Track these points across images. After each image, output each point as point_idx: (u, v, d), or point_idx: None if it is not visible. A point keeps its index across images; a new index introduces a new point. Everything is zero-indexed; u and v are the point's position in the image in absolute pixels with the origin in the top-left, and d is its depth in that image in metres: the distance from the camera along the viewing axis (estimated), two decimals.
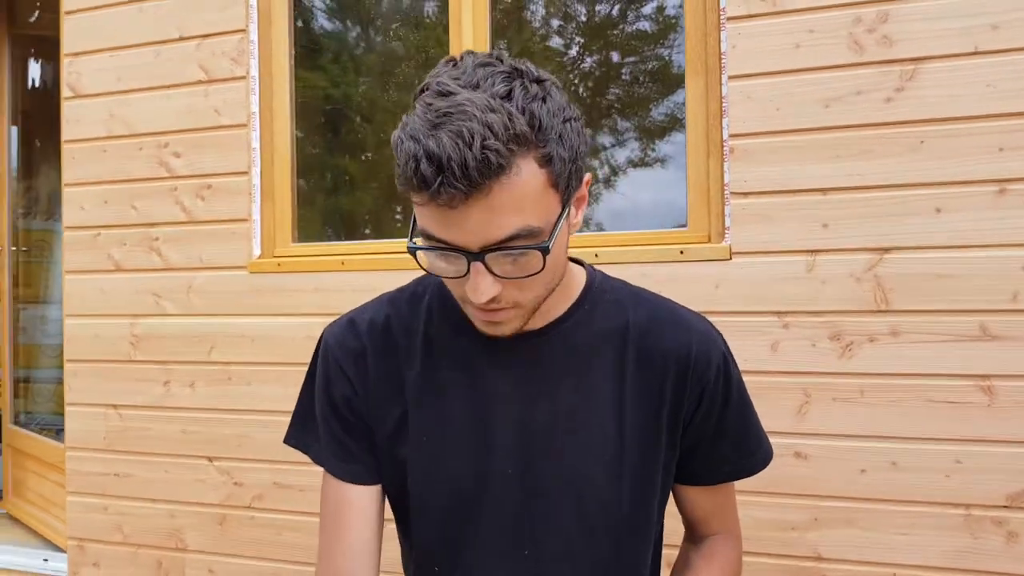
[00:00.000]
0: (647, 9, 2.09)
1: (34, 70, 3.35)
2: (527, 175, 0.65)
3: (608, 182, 2.13)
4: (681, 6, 1.88)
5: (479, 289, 0.68)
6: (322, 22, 2.51)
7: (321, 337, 0.88)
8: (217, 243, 2.19)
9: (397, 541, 0.92)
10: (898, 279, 1.62)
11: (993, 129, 1.56)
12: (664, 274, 1.77)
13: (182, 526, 2.23)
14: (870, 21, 1.64)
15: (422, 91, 0.67)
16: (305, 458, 0.89)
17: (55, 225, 3.11)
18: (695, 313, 0.87)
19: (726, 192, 1.77)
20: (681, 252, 1.78)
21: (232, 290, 2.17)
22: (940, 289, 1.60)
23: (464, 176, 0.61)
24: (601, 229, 2.07)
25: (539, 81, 0.67)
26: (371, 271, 2.02)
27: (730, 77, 1.74)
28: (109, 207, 2.31)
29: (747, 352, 1.69)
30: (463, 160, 0.61)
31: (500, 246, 0.66)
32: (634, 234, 1.90)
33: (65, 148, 2.38)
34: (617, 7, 2.15)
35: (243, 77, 2.16)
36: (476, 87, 0.64)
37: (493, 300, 0.71)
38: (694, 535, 0.95)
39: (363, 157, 2.57)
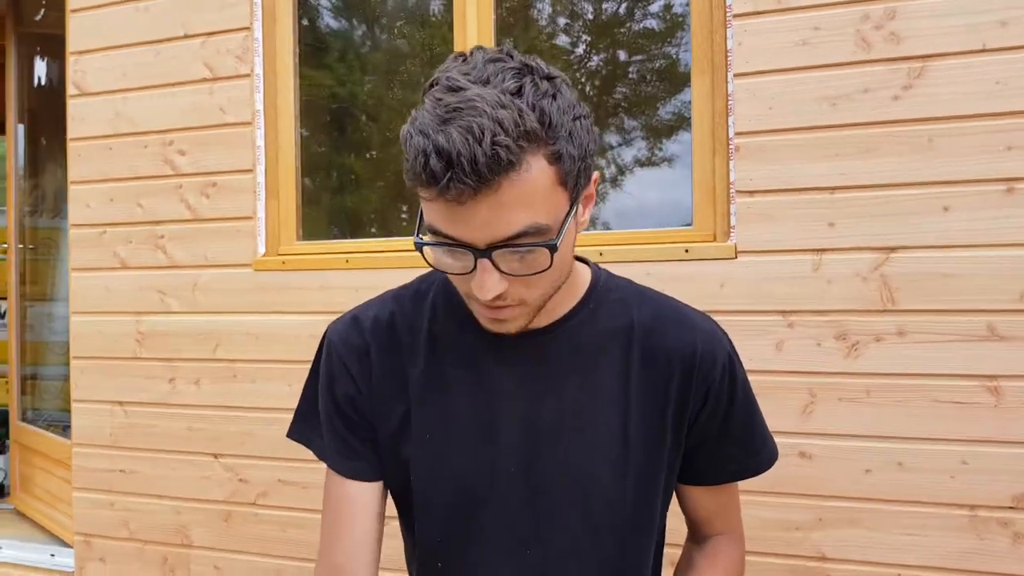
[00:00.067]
0: (654, 7, 2.09)
1: (40, 68, 3.34)
2: (536, 172, 0.64)
3: (615, 181, 2.12)
4: (687, 3, 1.88)
5: (485, 286, 0.68)
6: (327, 20, 2.51)
7: (325, 334, 0.88)
8: (222, 241, 2.19)
9: (399, 538, 0.92)
10: (905, 278, 1.62)
11: (1001, 127, 1.55)
12: (669, 273, 1.76)
13: (188, 522, 2.24)
14: (877, 18, 1.63)
15: (431, 86, 0.67)
16: (309, 455, 0.89)
17: (61, 223, 3.11)
18: (700, 312, 0.87)
19: (731, 191, 1.76)
20: (686, 251, 1.77)
21: (237, 288, 2.17)
22: (947, 289, 1.59)
23: (473, 172, 0.61)
24: (607, 228, 2.07)
25: (550, 78, 0.67)
26: (376, 269, 2.02)
27: (736, 75, 1.73)
28: (115, 205, 2.32)
29: (752, 351, 1.68)
30: (473, 156, 0.61)
31: (507, 243, 0.66)
32: (639, 233, 1.89)
33: (71, 146, 2.38)
34: (624, 5, 2.14)
35: (248, 75, 2.17)
36: (486, 83, 0.64)
37: (499, 297, 0.70)
38: (697, 535, 0.95)
39: (368, 155, 2.56)
